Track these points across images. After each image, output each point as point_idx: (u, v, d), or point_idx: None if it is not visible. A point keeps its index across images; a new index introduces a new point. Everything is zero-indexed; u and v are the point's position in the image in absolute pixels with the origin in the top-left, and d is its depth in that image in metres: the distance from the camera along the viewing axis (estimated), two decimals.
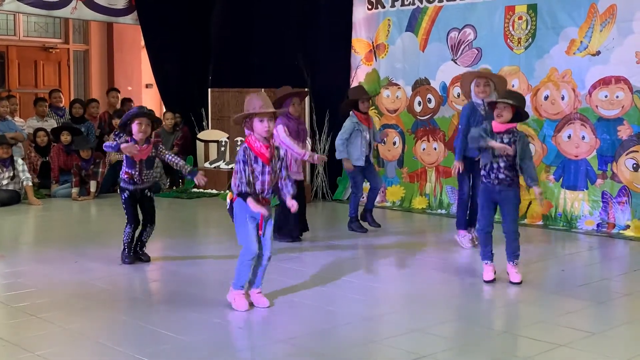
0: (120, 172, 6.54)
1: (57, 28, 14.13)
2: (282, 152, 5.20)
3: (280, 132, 7.19)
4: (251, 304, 5.22)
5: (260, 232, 5.15)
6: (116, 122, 11.00)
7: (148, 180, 6.54)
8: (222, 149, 11.55)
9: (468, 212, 7.33)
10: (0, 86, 13.31)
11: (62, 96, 12.34)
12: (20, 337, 4.64)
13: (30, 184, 10.05)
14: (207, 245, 7.72)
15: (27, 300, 5.42)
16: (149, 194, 6.59)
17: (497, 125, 5.84)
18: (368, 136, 8.10)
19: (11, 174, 9.91)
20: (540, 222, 8.62)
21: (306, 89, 7.93)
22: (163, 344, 4.53)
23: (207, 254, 7.18)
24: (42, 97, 12.29)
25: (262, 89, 10.55)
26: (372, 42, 10.28)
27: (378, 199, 8.75)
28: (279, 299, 5.43)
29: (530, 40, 8.73)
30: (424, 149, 9.84)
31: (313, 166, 10.68)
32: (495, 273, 6.02)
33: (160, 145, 6.56)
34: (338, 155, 8.07)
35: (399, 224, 8.94)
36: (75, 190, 10.42)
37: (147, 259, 6.65)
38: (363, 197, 8.44)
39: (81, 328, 4.82)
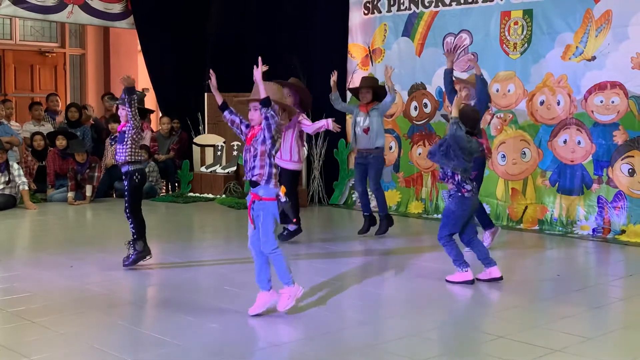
0: None
1: (53, 32, 14.13)
2: (263, 135, 5.06)
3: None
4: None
5: (253, 225, 5.14)
6: (112, 126, 11.00)
7: (120, 160, 6.51)
8: (219, 153, 11.55)
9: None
10: None
11: (59, 100, 12.34)
12: (15, 342, 4.63)
13: (26, 188, 10.04)
14: (203, 249, 7.71)
15: (22, 304, 5.41)
16: (125, 182, 6.55)
17: None
18: (362, 121, 8.05)
19: (6, 179, 9.90)
20: (536, 227, 8.63)
21: (290, 80, 7.95)
22: (159, 348, 4.53)
23: (203, 258, 7.16)
24: (37, 101, 12.29)
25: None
26: (369, 47, 10.30)
27: (373, 203, 8.68)
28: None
29: (526, 45, 8.76)
30: (420, 154, 9.85)
31: (309, 170, 10.69)
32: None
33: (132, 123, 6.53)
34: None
35: (395, 229, 8.92)
36: (71, 195, 10.41)
37: (129, 261, 6.55)
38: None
39: (77, 333, 4.81)
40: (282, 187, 5.14)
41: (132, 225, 6.56)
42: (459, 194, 6.00)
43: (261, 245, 5.14)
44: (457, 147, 5.91)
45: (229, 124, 5.26)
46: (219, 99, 5.27)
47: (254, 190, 5.10)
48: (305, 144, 7.93)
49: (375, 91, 8.17)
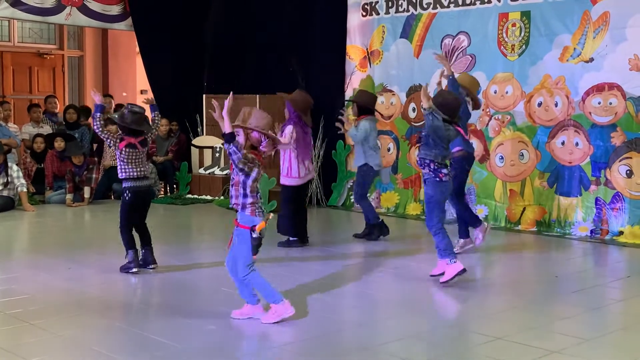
0: None
1: (51, 34, 14.13)
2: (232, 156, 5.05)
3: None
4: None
5: (229, 247, 5.15)
6: (110, 128, 10.98)
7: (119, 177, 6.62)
8: (217, 155, 11.55)
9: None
10: None
11: (57, 102, 12.34)
12: (13, 344, 4.64)
13: (25, 190, 10.03)
14: (201, 251, 7.72)
15: (20, 307, 5.41)
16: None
17: None
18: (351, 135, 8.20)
19: (5, 180, 9.89)
20: (534, 229, 8.64)
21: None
22: (157, 350, 4.53)
23: (202, 260, 7.17)
24: (36, 103, 12.28)
25: (257, 96, 10.67)
26: (367, 49, 10.31)
27: (373, 204, 8.72)
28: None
29: (523, 47, 8.76)
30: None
31: None
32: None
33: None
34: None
35: (394, 230, 8.91)
36: (69, 197, 10.40)
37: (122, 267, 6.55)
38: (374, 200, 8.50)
39: (75, 335, 4.82)
40: (262, 222, 5.06)
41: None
42: (437, 179, 6.11)
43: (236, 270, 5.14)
44: (436, 136, 6.05)
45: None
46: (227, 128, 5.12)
47: (236, 216, 5.15)
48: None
49: (359, 105, 8.09)
